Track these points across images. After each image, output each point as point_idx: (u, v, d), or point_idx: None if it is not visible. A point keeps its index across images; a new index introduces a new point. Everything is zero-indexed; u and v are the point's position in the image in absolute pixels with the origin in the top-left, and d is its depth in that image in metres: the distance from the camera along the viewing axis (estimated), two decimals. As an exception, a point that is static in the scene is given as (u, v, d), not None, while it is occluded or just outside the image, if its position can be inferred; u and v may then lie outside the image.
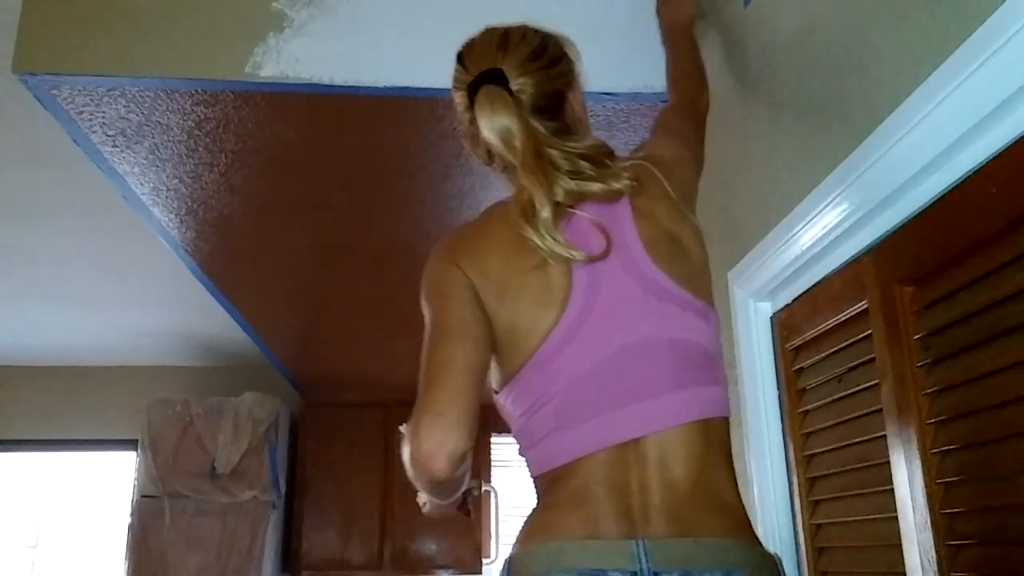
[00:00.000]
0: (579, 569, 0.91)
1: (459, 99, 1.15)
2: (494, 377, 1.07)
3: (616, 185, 1.05)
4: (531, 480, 1.05)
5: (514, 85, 1.08)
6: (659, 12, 1.72)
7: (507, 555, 0.98)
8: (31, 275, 3.64)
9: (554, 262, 1.02)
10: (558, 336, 1.00)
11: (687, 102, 1.41)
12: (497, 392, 1.07)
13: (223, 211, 2.58)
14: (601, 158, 1.09)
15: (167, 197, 2.46)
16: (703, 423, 1.00)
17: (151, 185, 2.38)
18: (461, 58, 1.16)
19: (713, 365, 1.04)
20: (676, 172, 1.15)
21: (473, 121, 1.10)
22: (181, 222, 2.65)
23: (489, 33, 1.16)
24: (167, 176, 2.33)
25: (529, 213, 1.02)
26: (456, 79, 1.16)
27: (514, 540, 0.99)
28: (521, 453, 1.06)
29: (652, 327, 1.01)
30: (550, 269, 1.02)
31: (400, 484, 4.65)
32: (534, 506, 1.02)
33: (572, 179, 1.05)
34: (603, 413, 0.99)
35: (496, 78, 1.08)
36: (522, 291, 1.03)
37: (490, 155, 1.15)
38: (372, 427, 4.80)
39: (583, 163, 1.06)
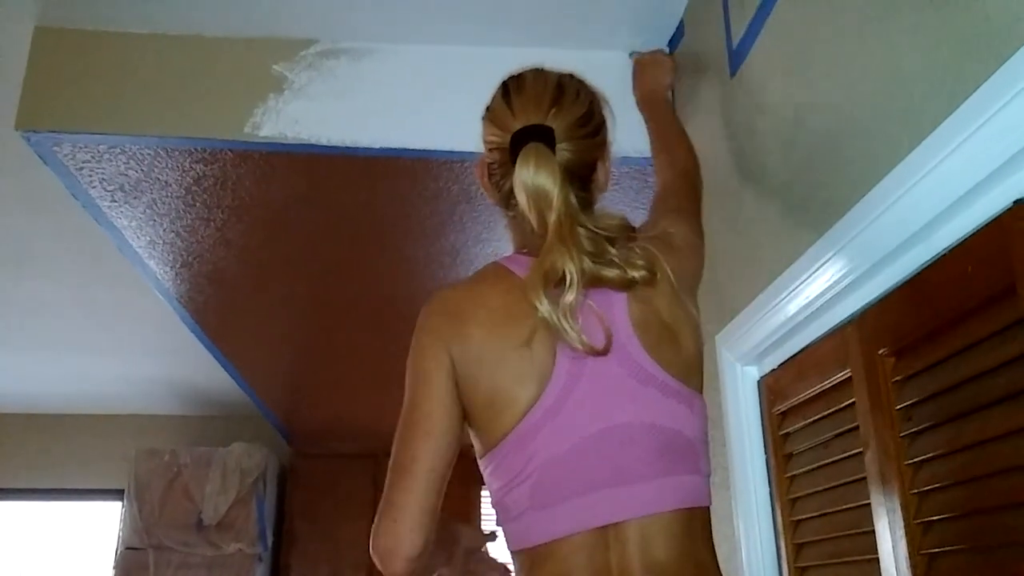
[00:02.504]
0: None
1: (493, 136, 1.11)
2: (475, 443, 1.07)
3: (632, 274, 1.03)
4: (510, 554, 1.04)
5: (559, 148, 1.06)
6: (635, 80, 1.72)
7: None
8: (20, 321, 3.64)
9: (547, 338, 1.00)
10: (537, 414, 0.99)
11: (685, 176, 1.39)
12: (480, 458, 1.07)
13: (218, 264, 2.60)
14: (624, 240, 1.07)
15: (163, 250, 2.48)
16: (686, 511, 0.99)
17: (148, 238, 2.40)
18: (507, 93, 1.12)
19: (696, 454, 1.03)
20: (686, 261, 1.14)
21: (503, 164, 1.09)
22: (176, 274, 2.67)
23: (542, 78, 1.13)
24: (164, 230, 2.35)
25: (550, 286, 0.99)
26: (495, 114, 1.12)
27: None
28: (498, 524, 1.06)
29: (634, 412, 1.00)
30: (535, 346, 1.00)
31: (388, 537, 4.59)
32: None
33: (593, 261, 1.02)
34: (581, 495, 0.98)
35: (546, 137, 1.05)
36: (504, 365, 1.02)
37: (506, 201, 1.11)
38: (361, 478, 4.76)
39: (607, 246, 1.04)
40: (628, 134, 1.97)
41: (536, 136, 1.06)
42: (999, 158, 0.89)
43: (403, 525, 0.99)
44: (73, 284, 3.25)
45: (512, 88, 1.13)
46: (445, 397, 1.03)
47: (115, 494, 4.62)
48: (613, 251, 1.04)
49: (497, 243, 2.45)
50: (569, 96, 1.10)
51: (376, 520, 1.01)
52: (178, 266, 2.60)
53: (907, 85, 1.06)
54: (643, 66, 1.76)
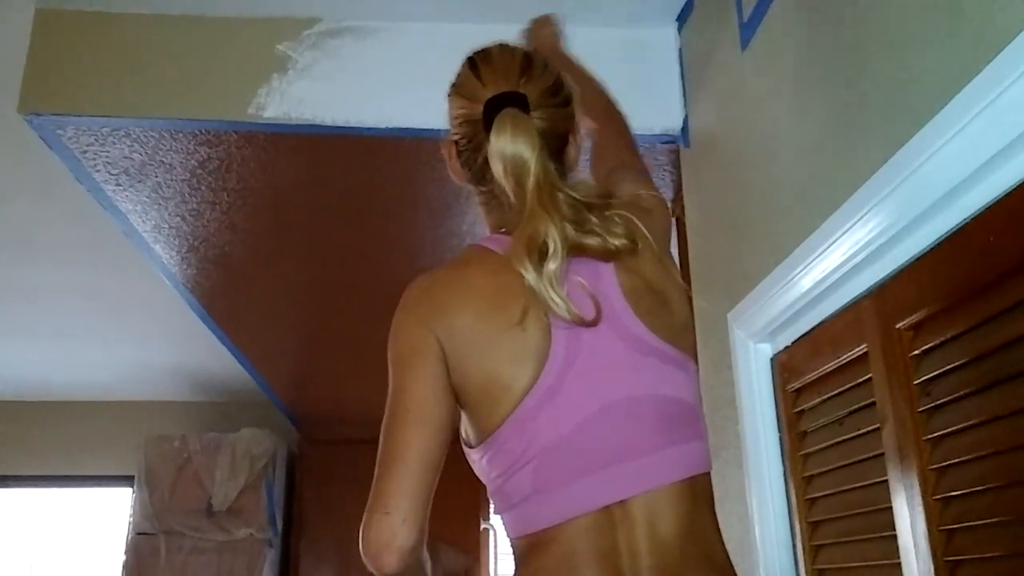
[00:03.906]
0: None
1: (462, 109, 1.08)
2: (469, 432, 1.02)
3: (613, 243, 1.00)
4: (509, 541, 1.00)
5: (533, 116, 1.02)
6: (532, 41, 1.58)
7: None
8: (30, 310, 3.64)
9: (541, 316, 0.97)
10: (537, 396, 0.96)
11: (610, 118, 1.34)
12: (471, 448, 1.02)
13: (224, 249, 2.59)
14: (603, 208, 1.05)
15: (168, 235, 2.47)
16: (689, 480, 0.97)
17: (153, 223, 2.39)
18: (475, 65, 1.09)
19: (696, 419, 1.01)
20: (658, 221, 1.11)
21: (475, 137, 1.05)
22: (182, 259, 2.65)
23: (509, 51, 1.10)
24: (169, 214, 2.34)
25: (534, 255, 0.96)
26: (465, 87, 1.09)
27: None
28: (497, 513, 1.02)
29: (635, 385, 0.98)
30: (528, 325, 0.97)
31: (398, 522, 4.60)
32: (515, 572, 0.97)
33: (574, 229, 0.99)
34: (585, 475, 0.95)
35: (520, 103, 1.02)
36: (497, 347, 0.98)
37: (478, 177, 1.07)
38: (370, 464, 4.67)
39: (587, 214, 1.02)
40: (635, 111, 1.95)
41: (510, 102, 1.02)
42: (1020, 125, 0.87)
43: (396, 516, 0.92)
44: (80, 271, 3.24)
45: (479, 60, 1.10)
46: (435, 381, 0.98)
47: (126, 480, 4.63)
48: (593, 219, 1.01)
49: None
50: (538, 66, 1.08)
51: (365, 516, 0.94)
52: (184, 251, 2.59)
53: (922, 56, 1.03)
54: (536, 26, 1.62)
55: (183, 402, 5.06)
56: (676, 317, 1.04)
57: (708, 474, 1.01)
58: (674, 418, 0.99)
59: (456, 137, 1.10)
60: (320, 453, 4.81)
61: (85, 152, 2.01)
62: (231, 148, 2.02)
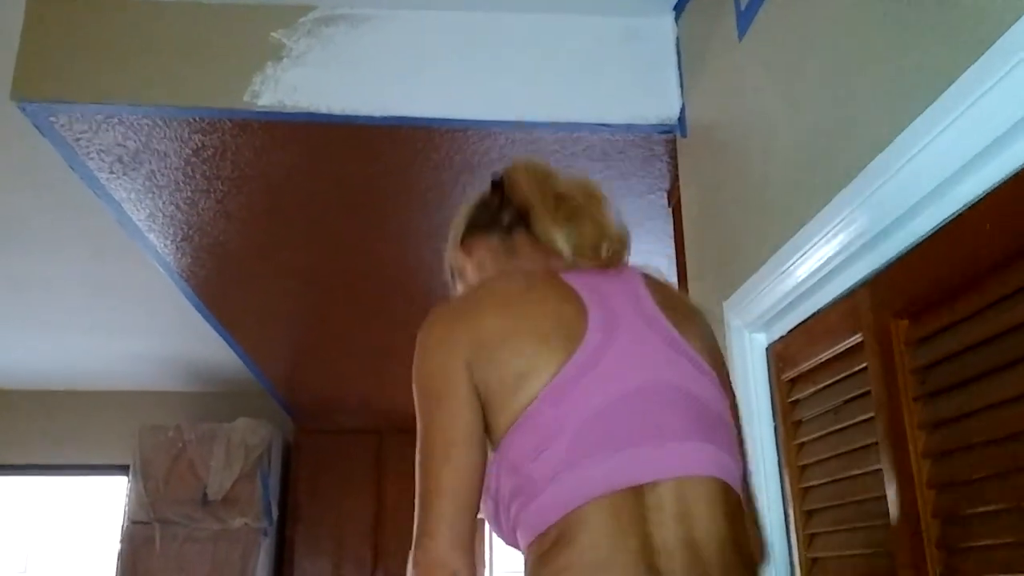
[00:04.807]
0: None
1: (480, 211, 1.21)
2: (493, 426, 0.98)
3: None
4: (527, 549, 0.94)
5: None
6: None
7: None
8: (23, 299, 3.63)
9: (576, 304, 1.00)
10: (574, 367, 0.95)
11: None
12: (502, 435, 0.97)
13: (219, 238, 2.58)
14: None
15: (163, 223, 2.46)
16: (724, 484, 0.94)
17: (147, 211, 2.38)
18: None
19: (731, 435, 0.99)
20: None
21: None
22: (177, 248, 2.65)
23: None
24: (163, 203, 2.33)
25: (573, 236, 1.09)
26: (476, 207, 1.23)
27: None
28: (518, 511, 0.95)
29: (671, 374, 0.97)
30: (563, 308, 0.99)
31: (392, 511, 4.61)
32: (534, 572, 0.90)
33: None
34: (618, 450, 0.92)
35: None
36: (534, 325, 0.98)
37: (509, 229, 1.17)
38: (365, 453, 4.77)
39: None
40: (631, 100, 1.95)
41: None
42: (1017, 113, 0.87)
43: (443, 544, 0.90)
44: (75, 260, 3.23)
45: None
46: (470, 412, 0.96)
47: (121, 469, 4.63)
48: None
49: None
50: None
51: (411, 555, 0.92)
52: (179, 239, 2.58)
53: (920, 44, 1.03)
54: None
55: (179, 392, 5.06)
56: (708, 341, 1.07)
57: (740, 502, 0.97)
58: (709, 420, 0.97)
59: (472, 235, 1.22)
60: (315, 443, 4.81)
61: (78, 140, 2.00)
62: (225, 136, 2.01)
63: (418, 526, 0.93)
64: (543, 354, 0.96)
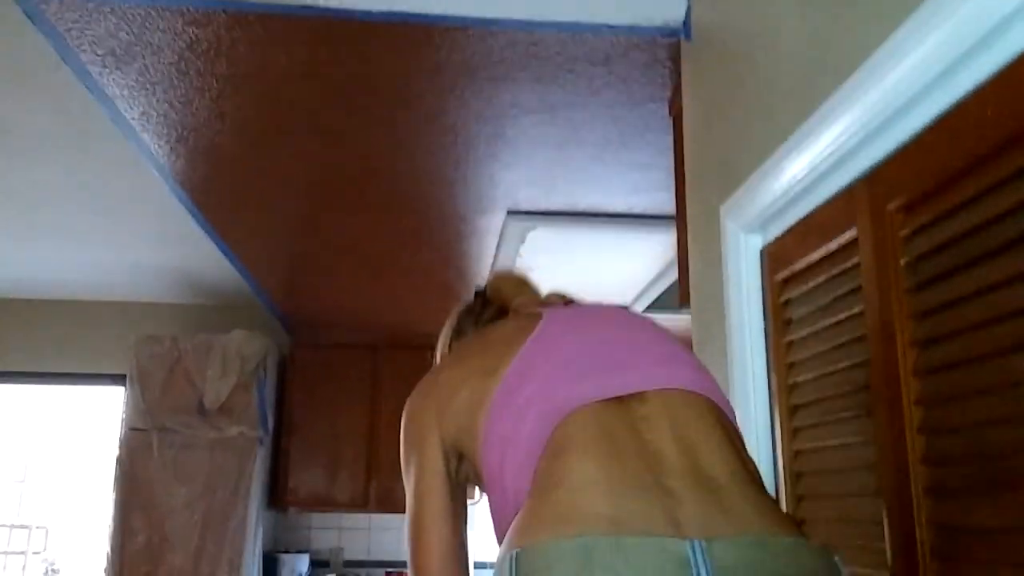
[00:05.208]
0: None
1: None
2: (470, 442, 1.00)
3: None
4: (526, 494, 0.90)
5: None
6: None
7: (509, 552, 0.77)
8: (21, 208, 3.60)
9: (528, 326, 1.04)
10: (536, 342, 1.00)
11: None
12: (483, 479, 0.99)
13: (213, 139, 2.55)
14: None
15: (157, 123, 2.43)
16: (711, 402, 0.93)
17: (140, 109, 2.35)
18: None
19: (716, 384, 1.02)
20: None
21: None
22: (171, 150, 2.62)
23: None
24: (157, 100, 2.30)
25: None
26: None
27: (516, 529, 0.81)
28: (513, 486, 0.93)
29: (638, 330, 1.05)
30: (519, 327, 1.05)
31: (387, 425, 4.69)
32: (530, 497, 0.86)
33: None
34: (597, 372, 0.94)
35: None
36: (478, 366, 1.02)
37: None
38: (360, 368, 4.82)
39: None
40: (636, 1, 1.90)
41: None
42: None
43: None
44: (74, 169, 3.17)
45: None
46: (444, 468, 1.01)
47: (119, 379, 4.68)
48: None
49: (499, 121, 2.40)
50: None
51: None
52: (173, 140, 2.55)
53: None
54: None
55: (175, 304, 5.08)
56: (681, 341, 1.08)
57: (736, 427, 0.96)
58: (685, 361, 1.00)
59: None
60: (310, 356, 4.86)
61: (70, 30, 1.96)
62: (220, 30, 1.96)
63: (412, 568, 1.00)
64: (505, 348, 1.01)
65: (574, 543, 0.74)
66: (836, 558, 0.80)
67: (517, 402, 0.93)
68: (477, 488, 1.05)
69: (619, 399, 0.90)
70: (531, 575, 0.73)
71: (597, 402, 0.90)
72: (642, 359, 0.97)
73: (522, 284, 1.27)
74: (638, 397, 0.90)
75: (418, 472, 1.01)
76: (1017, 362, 0.88)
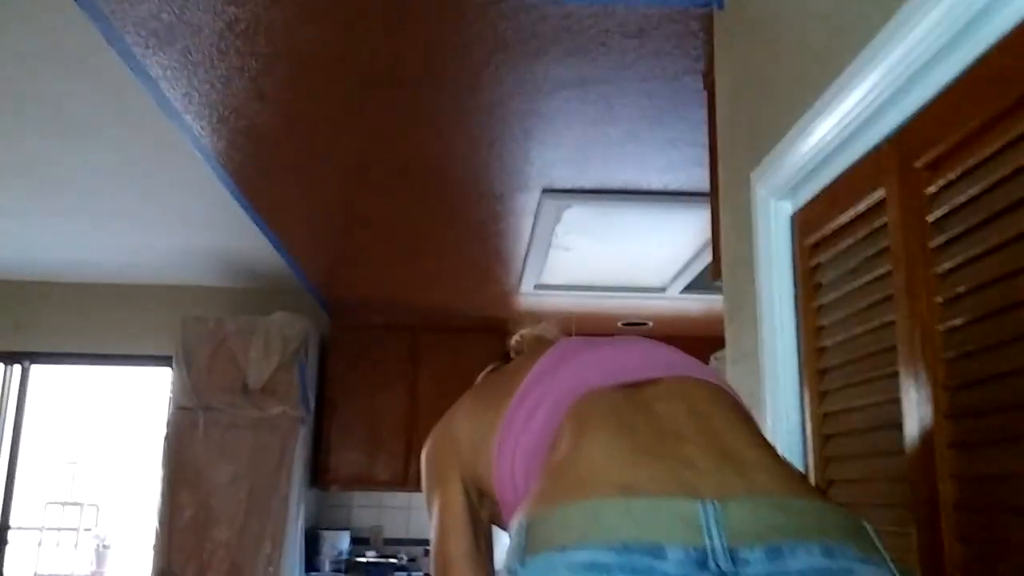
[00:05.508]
0: (623, 542, 0.69)
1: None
2: (482, 471, 1.02)
3: None
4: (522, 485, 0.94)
5: None
6: None
7: (521, 519, 0.77)
8: (72, 192, 3.70)
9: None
10: (548, 358, 1.02)
11: None
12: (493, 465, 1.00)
13: (254, 120, 2.61)
14: None
15: (199, 103, 2.49)
16: (725, 394, 0.93)
17: (183, 90, 2.41)
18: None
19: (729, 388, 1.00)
20: None
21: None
22: (213, 131, 2.68)
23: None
24: (199, 80, 2.35)
25: None
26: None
27: (529, 498, 0.80)
28: (508, 460, 0.96)
29: (651, 351, 1.03)
30: (532, 357, 1.06)
31: (426, 407, 4.75)
32: (543, 471, 0.86)
33: None
34: (605, 368, 0.96)
35: None
36: (489, 402, 1.05)
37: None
38: (399, 349, 4.89)
39: None
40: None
41: None
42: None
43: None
44: (122, 153, 3.25)
45: None
46: (469, 519, 1.02)
47: (164, 360, 4.81)
48: None
49: (535, 97, 2.41)
50: None
51: None
52: (215, 121, 2.61)
53: None
54: None
55: (219, 287, 5.19)
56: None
57: (753, 417, 0.95)
58: (701, 365, 1.01)
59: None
60: (350, 338, 4.94)
61: (114, 12, 2.02)
62: (258, 9, 2.01)
63: None
64: (506, 391, 1.02)
65: (582, 506, 0.73)
66: (863, 521, 0.76)
67: (527, 406, 0.96)
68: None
69: (633, 384, 0.91)
70: (540, 538, 0.73)
71: (609, 386, 0.91)
72: (656, 362, 0.99)
73: (542, 339, 1.25)
74: (652, 382, 0.91)
75: (441, 505, 1.02)
76: (1041, 312, 0.87)
